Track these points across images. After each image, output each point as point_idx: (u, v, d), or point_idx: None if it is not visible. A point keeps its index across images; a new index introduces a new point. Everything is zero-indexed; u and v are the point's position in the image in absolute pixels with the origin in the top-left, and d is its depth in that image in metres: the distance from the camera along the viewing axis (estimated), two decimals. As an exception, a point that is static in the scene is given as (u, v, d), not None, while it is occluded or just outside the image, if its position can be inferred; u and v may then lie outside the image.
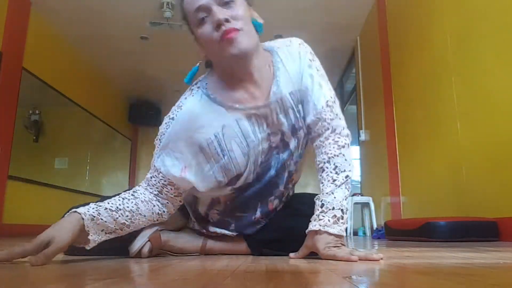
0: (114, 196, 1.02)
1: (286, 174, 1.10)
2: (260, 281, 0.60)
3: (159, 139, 1.09)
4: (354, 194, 4.76)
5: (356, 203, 4.66)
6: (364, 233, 4.66)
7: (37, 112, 4.72)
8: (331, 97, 1.06)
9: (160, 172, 1.04)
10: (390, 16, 4.09)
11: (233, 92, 1.03)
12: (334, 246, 0.94)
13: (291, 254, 1.01)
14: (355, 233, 4.76)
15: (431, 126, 3.08)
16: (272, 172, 1.08)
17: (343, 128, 1.07)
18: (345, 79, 6.41)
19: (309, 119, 1.05)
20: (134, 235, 1.06)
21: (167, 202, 1.06)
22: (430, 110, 3.10)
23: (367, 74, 4.94)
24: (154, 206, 1.04)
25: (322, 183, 1.01)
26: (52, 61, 5.09)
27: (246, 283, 0.57)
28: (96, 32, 5.23)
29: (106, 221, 0.94)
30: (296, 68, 1.06)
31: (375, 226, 4.32)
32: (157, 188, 1.05)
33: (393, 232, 2.78)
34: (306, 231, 0.99)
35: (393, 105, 3.95)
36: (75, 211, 0.90)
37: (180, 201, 1.09)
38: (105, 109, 6.74)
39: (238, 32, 0.94)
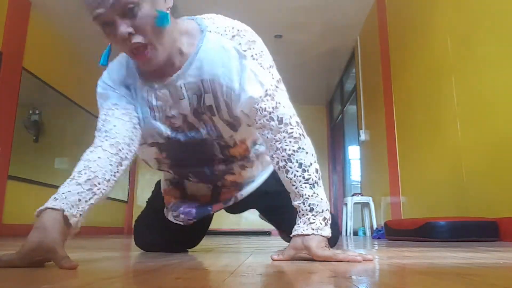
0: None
1: (217, 147, 1.10)
2: (260, 281, 0.60)
3: (97, 86, 1.07)
4: (354, 194, 4.76)
5: (356, 203, 4.66)
6: (364, 233, 4.66)
7: (37, 112, 4.72)
8: (271, 85, 0.97)
9: (101, 107, 1.03)
10: (390, 16, 4.09)
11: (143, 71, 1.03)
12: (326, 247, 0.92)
13: (274, 256, 0.95)
14: (355, 233, 4.76)
15: (431, 126, 3.08)
16: (190, 144, 1.08)
17: (291, 117, 0.97)
18: (345, 79, 6.42)
19: (245, 108, 0.98)
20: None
21: (116, 126, 0.99)
22: (430, 110, 3.10)
23: (367, 74, 4.94)
24: (117, 139, 0.98)
25: (293, 185, 0.96)
26: (52, 61, 5.09)
27: (246, 283, 0.57)
28: (96, 32, 5.20)
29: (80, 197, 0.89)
30: (223, 60, 0.98)
31: (375, 226, 4.32)
32: (102, 124, 1.00)
33: (393, 232, 2.78)
34: (293, 234, 0.95)
35: (393, 105, 3.95)
36: (46, 209, 0.87)
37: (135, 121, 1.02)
38: (105, 109, 6.73)
39: (147, 49, 0.88)
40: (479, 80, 2.42)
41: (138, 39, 0.86)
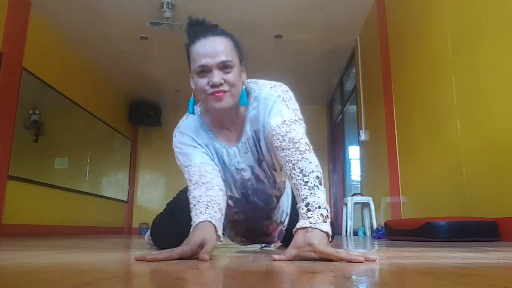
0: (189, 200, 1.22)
1: (274, 194, 1.37)
2: (260, 281, 0.60)
3: (176, 147, 1.28)
4: (354, 194, 4.76)
5: (356, 203, 4.66)
6: (364, 233, 4.65)
7: (37, 112, 4.72)
8: (291, 119, 1.16)
9: (190, 165, 1.24)
10: (390, 16, 4.09)
11: (216, 132, 1.27)
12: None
13: (275, 256, 0.99)
14: (355, 233, 4.76)
15: (431, 126, 3.08)
16: (255, 199, 1.35)
17: (301, 138, 1.14)
18: (345, 79, 6.42)
19: (267, 133, 1.19)
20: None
21: (213, 178, 1.22)
22: (430, 110, 3.10)
23: (367, 74, 4.94)
24: (217, 186, 1.21)
25: (296, 189, 1.07)
26: (52, 61, 5.09)
27: (246, 283, 0.57)
28: (96, 32, 5.23)
29: (219, 218, 1.14)
30: (266, 110, 1.19)
31: (375, 226, 4.32)
32: (199, 178, 1.21)
33: (393, 232, 2.78)
34: (294, 230, 1.01)
35: (393, 105, 3.95)
36: (203, 221, 1.09)
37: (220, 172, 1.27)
38: (105, 109, 6.74)
39: (225, 94, 1.13)
40: (479, 80, 2.42)
41: (224, 87, 1.13)
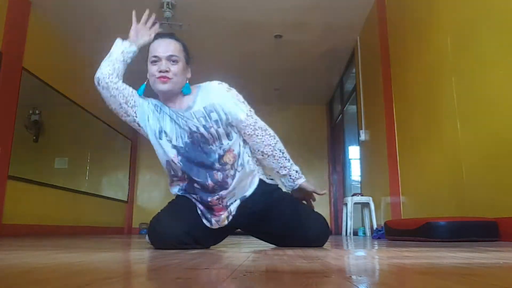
0: None
1: (216, 156, 1.56)
2: (260, 281, 0.60)
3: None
4: (354, 194, 4.76)
5: (356, 203, 4.66)
6: (364, 233, 4.66)
7: (37, 112, 4.72)
8: (249, 110, 1.62)
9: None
10: (390, 16, 4.09)
11: (170, 101, 1.61)
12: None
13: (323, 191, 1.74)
14: (355, 233, 4.76)
15: (431, 126, 3.08)
16: (198, 151, 1.56)
17: (265, 125, 1.65)
18: (345, 79, 6.42)
19: (237, 123, 1.59)
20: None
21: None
22: (430, 110, 3.10)
23: (367, 74, 4.94)
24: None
25: (279, 163, 1.65)
26: (52, 61, 5.09)
27: (246, 283, 0.57)
28: (96, 32, 5.23)
29: None
30: (212, 95, 1.58)
31: (375, 226, 4.32)
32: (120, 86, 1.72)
33: (393, 232, 2.78)
34: (296, 184, 1.68)
35: (393, 105, 3.95)
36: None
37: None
38: (105, 109, 6.66)
39: (167, 80, 1.52)
40: (479, 80, 2.42)
41: (169, 75, 1.52)
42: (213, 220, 1.60)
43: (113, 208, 7.08)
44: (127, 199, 7.73)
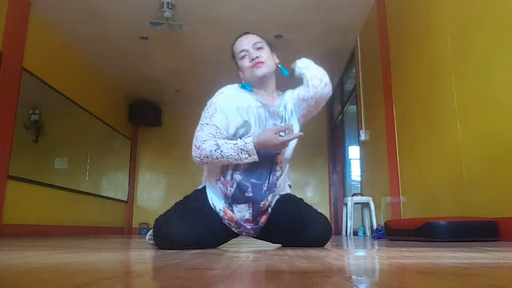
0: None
1: (277, 158, 1.63)
2: (260, 281, 0.60)
3: (212, 104, 1.63)
4: (354, 194, 4.76)
5: (356, 203, 4.66)
6: (364, 233, 4.66)
7: (37, 112, 4.73)
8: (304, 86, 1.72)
9: (215, 124, 1.58)
10: (390, 16, 4.09)
11: (257, 93, 1.70)
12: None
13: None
14: (355, 233, 4.76)
15: (431, 126, 3.08)
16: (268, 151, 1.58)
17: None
18: (345, 79, 6.41)
19: (303, 92, 1.71)
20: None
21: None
22: (430, 110, 3.10)
23: (367, 74, 4.94)
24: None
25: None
26: (52, 61, 5.09)
27: (246, 283, 0.57)
28: (96, 32, 5.23)
29: None
30: (291, 97, 1.75)
31: (375, 226, 4.32)
32: (213, 134, 1.57)
33: (393, 232, 2.78)
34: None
35: (393, 105, 3.95)
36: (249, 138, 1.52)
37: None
38: (105, 109, 6.74)
39: (262, 64, 1.64)
40: (479, 80, 2.42)
41: (260, 59, 1.64)
42: (248, 226, 1.64)
43: (113, 208, 7.08)
44: (127, 199, 7.73)
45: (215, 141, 1.53)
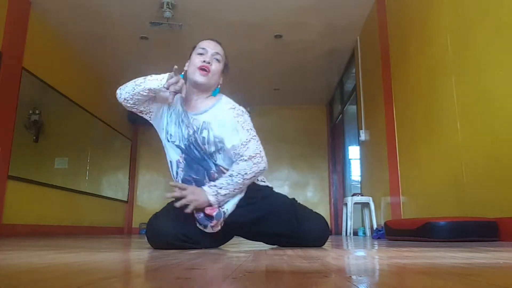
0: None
1: (212, 160, 1.63)
2: (260, 281, 0.60)
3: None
4: (354, 194, 4.76)
5: (356, 203, 4.66)
6: (364, 233, 4.66)
7: (37, 112, 4.72)
8: (246, 139, 1.62)
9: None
10: (390, 16, 4.09)
11: (189, 101, 1.70)
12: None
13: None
14: (355, 233, 4.76)
15: (431, 126, 3.08)
16: (195, 150, 1.63)
17: (261, 160, 1.63)
18: (345, 79, 6.42)
19: (228, 142, 1.62)
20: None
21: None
22: (430, 110, 3.10)
23: (367, 74, 4.94)
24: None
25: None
26: (52, 61, 5.09)
27: (246, 283, 0.57)
28: (96, 32, 5.23)
29: None
30: (224, 113, 1.67)
31: (375, 226, 4.32)
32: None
33: (393, 232, 2.78)
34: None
35: (393, 105, 3.95)
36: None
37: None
38: (105, 109, 6.74)
39: (207, 73, 1.64)
40: (479, 80, 2.42)
41: (209, 67, 1.66)
42: (208, 225, 1.57)
43: (113, 208, 7.08)
44: (127, 199, 7.73)
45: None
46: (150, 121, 1.75)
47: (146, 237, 1.59)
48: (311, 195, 7.63)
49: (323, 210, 7.34)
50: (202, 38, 1.87)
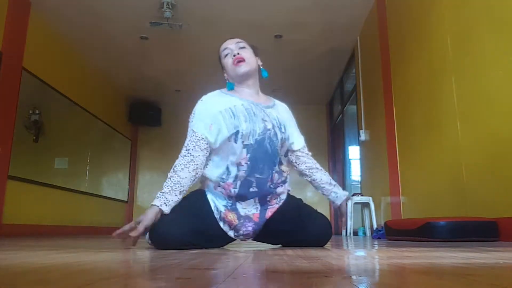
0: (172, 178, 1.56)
1: (277, 159, 1.65)
2: (260, 281, 0.60)
3: (193, 113, 1.64)
4: (354, 194, 4.76)
5: (356, 203, 4.66)
6: (364, 233, 4.66)
7: (37, 112, 4.73)
8: (304, 140, 1.85)
9: (195, 131, 1.59)
10: (390, 16, 4.09)
11: (241, 92, 1.70)
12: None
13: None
14: (355, 233, 4.76)
15: (431, 126, 3.08)
16: (267, 146, 1.60)
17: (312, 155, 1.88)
18: (345, 79, 6.42)
19: (297, 144, 1.80)
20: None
21: (199, 155, 1.58)
22: (430, 110, 3.10)
23: (367, 74, 4.94)
24: (193, 171, 1.57)
25: (324, 188, 1.87)
26: (52, 61, 5.09)
27: (246, 283, 0.57)
28: (96, 32, 5.23)
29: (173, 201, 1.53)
30: (283, 112, 1.77)
31: (375, 226, 4.33)
32: (193, 146, 1.58)
33: (393, 232, 2.78)
34: (339, 202, 1.85)
35: (393, 105, 3.95)
36: (154, 205, 1.49)
37: (207, 153, 1.61)
38: (105, 109, 6.74)
39: (243, 61, 1.66)
40: (479, 80, 2.42)
41: (242, 56, 1.67)
42: (241, 231, 1.61)
43: (113, 208, 7.08)
44: (127, 199, 7.73)
45: (175, 167, 1.56)
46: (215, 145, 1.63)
47: (146, 236, 1.57)
48: (311, 195, 7.63)
49: (323, 210, 7.32)
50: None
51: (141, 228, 1.43)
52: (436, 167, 3.01)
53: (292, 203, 1.73)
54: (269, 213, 1.65)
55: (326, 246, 1.73)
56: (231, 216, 1.61)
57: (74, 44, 5.47)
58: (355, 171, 6.37)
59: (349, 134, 6.31)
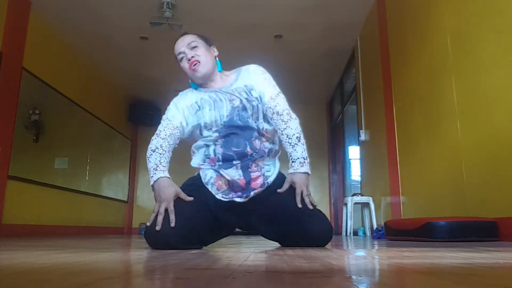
0: (152, 153, 1.63)
1: (254, 128, 1.67)
2: (260, 281, 0.60)
3: (168, 108, 1.75)
4: (354, 194, 4.76)
5: (356, 203, 4.66)
6: (364, 233, 4.66)
7: (37, 112, 4.73)
8: (276, 93, 1.78)
9: (168, 118, 1.69)
10: (390, 16, 4.09)
11: (207, 85, 1.76)
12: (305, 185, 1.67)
13: (278, 190, 1.67)
14: (355, 233, 4.76)
15: (431, 126, 3.08)
16: (238, 122, 1.65)
17: (284, 109, 1.73)
18: (345, 79, 6.42)
19: (266, 99, 1.72)
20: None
21: (172, 139, 1.68)
22: (430, 110, 3.10)
23: (367, 74, 4.94)
24: (169, 149, 1.67)
25: (284, 147, 1.72)
26: (52, 61, 5.09)
27: (246, 283, 0.57)
28: (96, 32, 5.23)
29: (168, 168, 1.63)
30: (249, 75, 1.77)
31: (375, 226, 4.33)
32: (166, 133, 1.67)
33: (393, 232, 2.78)
34: (288, 174, 1.69)
35: (393, 105, 3.95)
36: (162, 177, 1.56)
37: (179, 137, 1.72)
38: (105, 109, 6.74)
39: (198, 64, 1.67)
40: (479, 80, 2.42)
41: (196, 58, 1.67)
42: (230, 195, 1.65)
43: (113, 208, 7.08)
44: (127, 199, 7.73)
45: (156, 144, 1.64)
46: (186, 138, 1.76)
47: (144, 236, 1.57)
48: (311, 195, 7.63)
49: (323, 210, 7.27)
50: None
51: (162, 208, 1.51)
52: (436, 167, 3.01)
53: (281, 183, 1.72)
54: (254, 183, 1.65)
55: (326, 246, 1.73)
56: (220, 182, 1.66)
57: (74, 44, 5.47)
58: (355, 171, 6.37)
59: (349, 134, 6.31)
